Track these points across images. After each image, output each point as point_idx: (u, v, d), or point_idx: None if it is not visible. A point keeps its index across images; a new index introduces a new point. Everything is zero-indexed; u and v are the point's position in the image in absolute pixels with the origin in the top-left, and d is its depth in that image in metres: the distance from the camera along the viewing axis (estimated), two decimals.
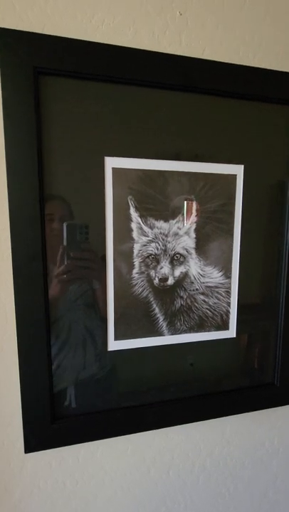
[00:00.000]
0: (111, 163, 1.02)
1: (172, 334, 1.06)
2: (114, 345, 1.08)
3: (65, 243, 0.99)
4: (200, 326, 1.07)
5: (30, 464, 1.03)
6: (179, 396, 1.19)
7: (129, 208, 1.04)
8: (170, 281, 1.09)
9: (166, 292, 1.04)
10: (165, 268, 1.09)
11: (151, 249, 1.08)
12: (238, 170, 1.04)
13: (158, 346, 1.04)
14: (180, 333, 1.05)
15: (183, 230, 1.10)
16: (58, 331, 1.03)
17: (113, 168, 1.02)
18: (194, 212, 1.11)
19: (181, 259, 1.09)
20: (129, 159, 1.03)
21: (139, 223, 1.06)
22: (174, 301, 1.03)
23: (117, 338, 1.08)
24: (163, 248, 1.07)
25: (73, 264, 1.01)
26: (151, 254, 1.08)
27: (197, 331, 1.07)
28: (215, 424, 1.15)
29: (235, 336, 1.10)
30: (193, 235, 1.12)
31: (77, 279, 1.02)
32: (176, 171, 1.07)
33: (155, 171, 1.06)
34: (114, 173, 1.02)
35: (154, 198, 1.07)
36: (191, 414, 1.19)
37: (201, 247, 1.05)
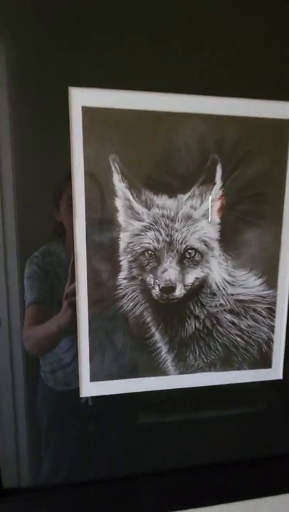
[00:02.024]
0: (80, 98, 0.62)
1: (181, 373, 0.74)
2: (89, 388, 0.69)
3: None
4: (225, 362, 0.77)
5: None
6: (192, 465, 0.78)
7: (111, 175, 0.64)
8: (178, 292, 0.67)
9: (171, 309, 0.72)
10: (171, 271, 0.67)
11: (148, 241, 0.67)
12: None
13: (160, 392, 0.75)
14: (194, 371, 0.76)
15: (200, 211, 0.68)
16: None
17: (84, 108, 0.62)
18: (219, 183, 0.68)
19: (197, 258, 0.68)
20: (111, 92, 0.62)
21: (129, 199, 0.66)
22: (185, 322, 0.73)
23: (94, 378, 0.69)
24: (167, 240, 0.65)
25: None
26: (148, 250, 0.67)
27: (221, 370, 0.76)
28: (247, 509, 0.69)
29: (281, 377, 0.77)
30: (216, 219, 0.69)
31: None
32: (187, 113, 0.65)
33: (154, 112, 0.64)
34: (87, 116, 0.62)
35: (153, 158, 0.66)
36: (209, 492, 0.78)
37: (228, 239, 0.73)
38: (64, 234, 0.66)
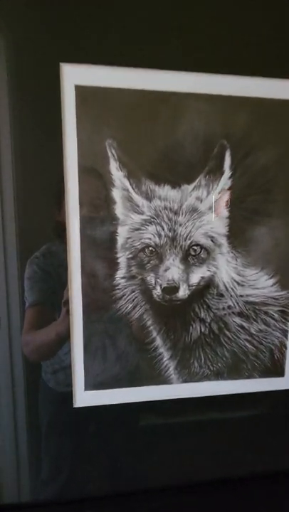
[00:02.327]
0: (73, 76, 0.55)
1: (185, 381, 0.68)
2: (83, 398, 0.63)
3: None
4: (233, 370, 0.70)
5: None
6: (198, 481, 0.71)
7: (108, 163, 0.57)
8: (182, 293, 0.61)
9: (174, 312, 0.66)
10: (174, 270, 0.61)
11: (148, 236, 0.60)
12: None
13: (161, 402, 0.68)
14: (199, 379, 0.70)
15: (206, 204, 0.62)
16: None
17: (78, 87, 0.56)
18: (228, 171, 0.61)
19: (203, 255, 0.61)
20: (107, 69, 0.56)
21: (127, 190, 0.59)
22: (189, 326, 0.68)
23: (89, 386, 0.63)
24: (170, 235, 0.59)
25: None
26: (148, 246, 0.61)
27: (228, 378, 0.70)
28: None
29: None
30: (224, 212, 0.62)
31: None
32: (193, 94, 0.58)
33: (155, 92, 0.57)
34: (81, 96, 0.55)
35: (155, 143, 0.59)
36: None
37: (237, 235, 0.67)
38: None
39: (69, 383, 0.64)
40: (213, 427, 0.72)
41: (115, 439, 0.70)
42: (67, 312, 0.62)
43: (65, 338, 0.63)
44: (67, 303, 0.61)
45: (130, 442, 0.70)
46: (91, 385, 0.65)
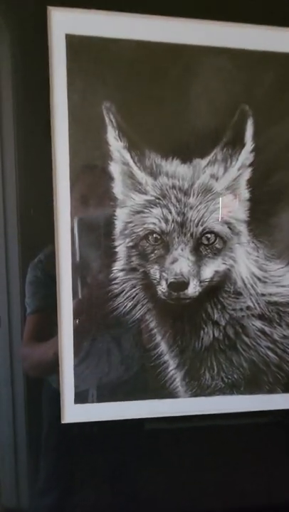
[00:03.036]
0: (63, 23, 0.46)
1: (194, 395, 0.58)
2: (73, 412, 0.53)
3: None
4: (252, 383, 0.59)
5: None
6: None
7: (105, 131, 0.47)
8: (192, 290, 0.50)
9: (182, 312, 0.56)
10: (182, 262, 0.50)
11: (153, 220, 0.50)
12: None
13: (166, 419, 0.58)
14: (211, 393, 0.59)
15: (223, 183, 0.51)
16: None
17: (69, 37, 0.46)
18: (249, 143, 0.51)
19: (218, 245, 0.50)
20: (104, 15, 0.46)
21: (128, 164, 0.49)
22: (200, 330, 0.58)
23: (80, 399, 0.53)
24: (178, 219, 0.49)
25: None
26: (152, 233, 0.50)
27: (246, 392, 0.59)
28: None
29: None
30: (245, 193, 0.52)
31: None
32: (209, 47, 0.48)
33: (163, 45, 0.47)
34: (73, 48, 0.46)
35: (161, 107, 0.48)
36: None
37: (260, 221, 0.56)
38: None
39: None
40: (226, 450, 0.61)
41: (110, 462, 0.59)
42: None
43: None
44: None
45: (127, 467, 0.59)
46: (82, 397, 0.55)
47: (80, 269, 0.52)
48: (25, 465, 0.57)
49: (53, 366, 0.54)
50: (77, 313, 0.53)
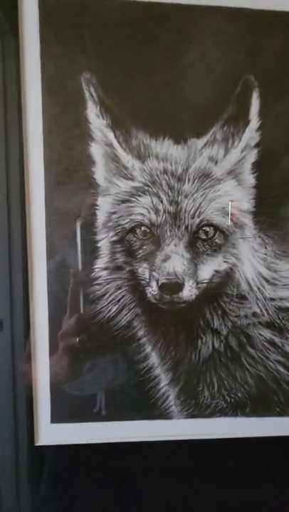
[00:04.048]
0: None
1: (191, 416, 0.50)
2: (48, 434, 0.45)
3: None
4: (260, 403, 0.50)
5: None
6: None
7: (84, 106, 0.40)
8: (188, 293, 0.42)
9: (176, 318, 0.48)
10: (176, 259, 0.43)
11: (141, 211, 0.43)
12: None
13: (157, 443, 0.49)
14: (211, 415, 0.51)
15: (224, 166, 0.43)
16: None
17: None
18: (255, 120, 0.43)
19: (218, 240, 0.42)
20: None
21: (111, 145, 0.42)
22: (198, 339, 0.49)
23: (56, 418, 0.45)
24: (171, 210, 0.41)
25: None
26: (140, 225, 0.43)
27: (253, 414, 0.51)
28: None
29: None
30: (250, 179, 0.44)
31: None
32: (207, 7, 0.41)
33: (153, 4, 0.40)
34: (46, 10, 0.39)
35: (151, 78, 0.41)
36: None
37: (268, 212, 0.48)
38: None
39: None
40: (226, 482, 0.52)
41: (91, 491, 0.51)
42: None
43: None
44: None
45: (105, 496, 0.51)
46: (60, 415, 0.48)
47: (56, 267, 0.45)
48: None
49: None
50: (53, 318, 0.46)
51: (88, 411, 0.48)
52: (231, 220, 0.46)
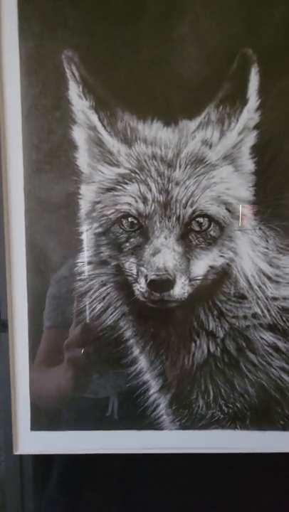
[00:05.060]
0: None
1: (183, 427, 0.45)
2: (28, 442, 0.41)
3: None
4: (261, 415, 0.45)
5: None
6: None
7: (65, 87, 0.37)
8: (179, 290, 0.38)
9: (167, 319, 0.44)
10: (166, 253, 0.39)
11: (127, 200, 0.39)
12: None
13: (146, 456, 0.45)
14: (206, 426, 0.46)
15: (219, 151, 0.39)
16: None
17: None
18: (254, 99, 0.38)
19: (213, 232, 0.38)
20: None
21: (95, 129, 0.38)
22: (191, 343, 0.45)
23: (38, 425, 0.41)
24: (161, 199, 0.37)
25: None
26: (127, 216, 0.39)
27: (253, 427, 0.46)
28: None
29: None
30: (248, 164, 0.39)
31: None
32: None
33: None
34: None
35: (138, 55, 0.37)
36: None
37: (270, 201, 0.42)
38: None
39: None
40: (223, 500, 0.47)
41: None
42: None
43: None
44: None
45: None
46: (41, 423, 0.44)
47: (37, 262, 0.42)
48: None
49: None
50: (33, 317, 0.42)
51: (72, 419, 0.44)
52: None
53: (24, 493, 0.47)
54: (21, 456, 0.45)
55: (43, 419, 0.44)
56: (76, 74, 0.40)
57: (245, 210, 0.42)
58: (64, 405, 0.44)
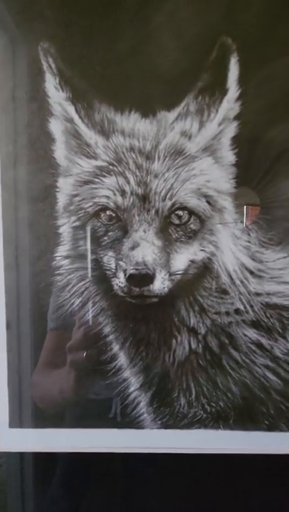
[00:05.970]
0: None
1: (165, 426, 0.44)
2: (7, 439, 0.41)
3: None
4: (245, 414, 0.44)
5: None
6: None
7: (42, 79, 0.36)
8: (159, 285, 0.37)
9: (147, 315, 0.42)
10: (145, 247, 0.38)
11: (105, 193, 0.38)
12: None
13: (127, 456, 0.44)
14: (188, 426, 0.44)
15: (198, 142, 0.38)
16: None
17: None
18: (234, 89, 0.38)
19: (193, 225, 0.37)
20: None
21: (72, 121, 0.37)
22: (172, 339, 0.44)
23: (15, 423, 0.41)
24: (140, 192, 0.36)
25: None
26: (105, 209, 0.38)
27: (237, 427, 0.44)
28: None
29: None
30: (228, 155, 0.38)
31: None
32: None
33: None
34: None
35: (115, 44, 0.37)
36: None
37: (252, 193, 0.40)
38: None
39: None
40: (203, 502, 0.45)
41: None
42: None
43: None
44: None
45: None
46: (20, 420, 0.43)
47: (12, 256, 0.41)
48: None
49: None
50: (10, 313, 0.42)
51: (50, 417, 0.43)
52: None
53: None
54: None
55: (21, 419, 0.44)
56: (53, 66, 0.39)
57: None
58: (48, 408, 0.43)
